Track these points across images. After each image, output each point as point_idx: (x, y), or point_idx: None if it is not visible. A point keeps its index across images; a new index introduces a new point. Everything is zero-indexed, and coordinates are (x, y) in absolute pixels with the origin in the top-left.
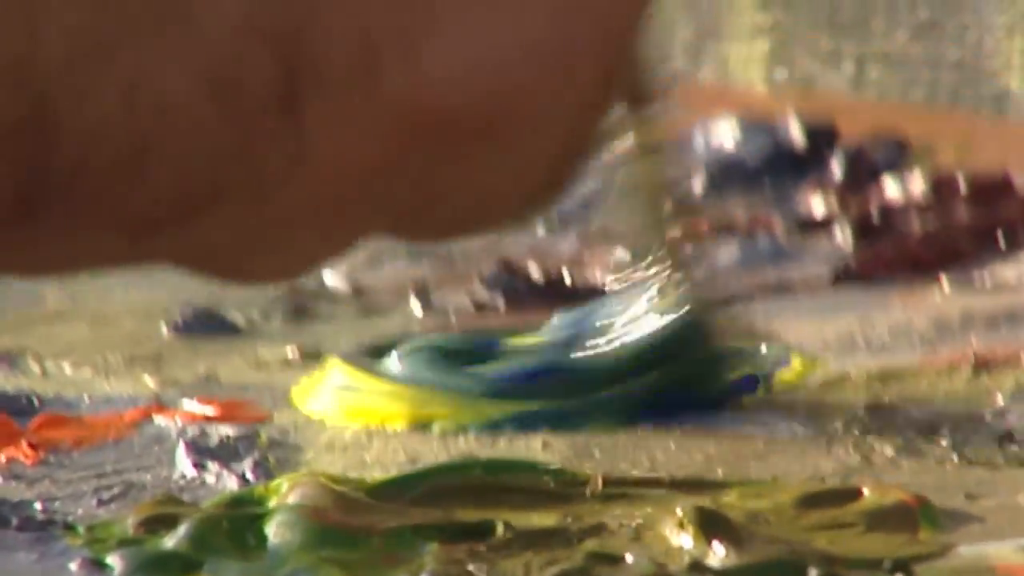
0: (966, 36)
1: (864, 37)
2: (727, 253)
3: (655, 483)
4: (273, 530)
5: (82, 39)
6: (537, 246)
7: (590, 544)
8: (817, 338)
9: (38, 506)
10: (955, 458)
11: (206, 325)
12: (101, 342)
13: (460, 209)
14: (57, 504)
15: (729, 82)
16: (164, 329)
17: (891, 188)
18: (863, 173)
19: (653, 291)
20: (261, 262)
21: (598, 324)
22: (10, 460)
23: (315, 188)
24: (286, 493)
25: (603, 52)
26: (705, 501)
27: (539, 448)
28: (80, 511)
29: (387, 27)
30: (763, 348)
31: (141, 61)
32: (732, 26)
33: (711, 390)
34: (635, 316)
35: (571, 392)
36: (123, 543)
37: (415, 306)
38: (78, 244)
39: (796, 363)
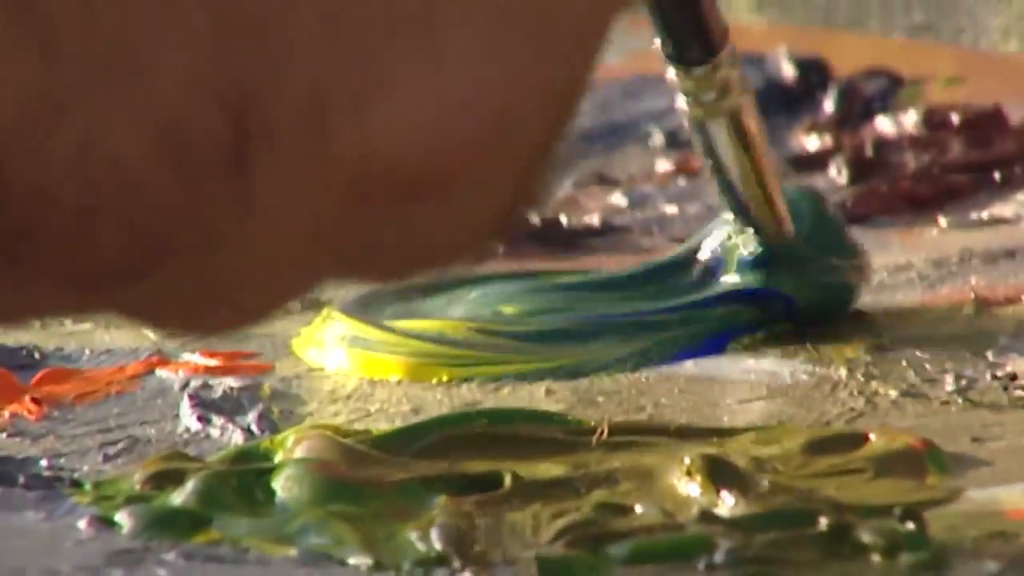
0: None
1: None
2: None
3: (660, 431)
4: (281, 485)
5: (33, 96)
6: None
7: (598, 495)
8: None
9: (44, 463)
10: (960, 401)
11: None
12: None
13: (407, 255)
14: (63, 460)
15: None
16: None
17: (884, 124)
18: (856, 108)
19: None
20: (211, 314)
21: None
22: (13, 416)
23: (264, 243)
24: (292, 447)
25: (549, 110)
26: (712, 449)
27: (542, 395)
28: (86, 467)
29: (337, 85)
30: None
31: (92, 118)
32: None
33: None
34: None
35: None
36: (131, 500)
37: None
38: (26, 299)
39: None
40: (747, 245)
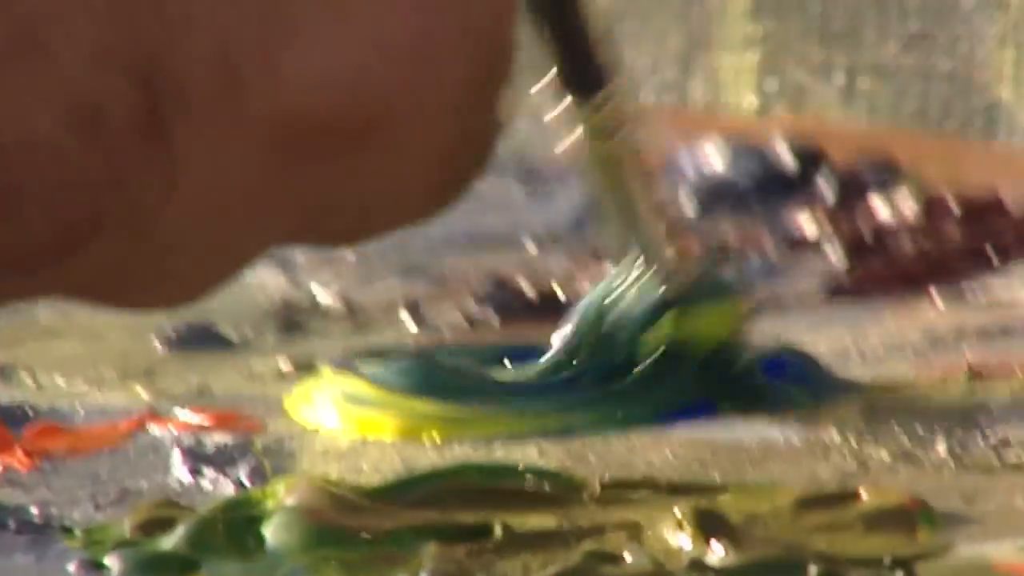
0: (957, 47)
1: (855, 48)
2: (721, 270)
3: (651, 486)
4: (271, 531)
5: None
6: (528, 263)
7: (588, 544)
8: (811, 351)
9: (35, 510)
10: (952, 464)
11: (199, 339)
12: (93, 356)
13: (355, 213)
14: (54, 509)
15: (717, 104)
16: (157, 344)
17: (881, 209)
18: (853, 194)
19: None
20: (152, 288)
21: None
22: (5, 467)
23: (196, 210)
24: (284, 496)
25: (471, 48)
26: (702, 503)
27: (534, 455)
28: (77, 515)
29: (244, 41)
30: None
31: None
32: (723, 37)
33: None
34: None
35: (572, 401)
36: (120, 545)
37: (408, 322)
38: None
39: None
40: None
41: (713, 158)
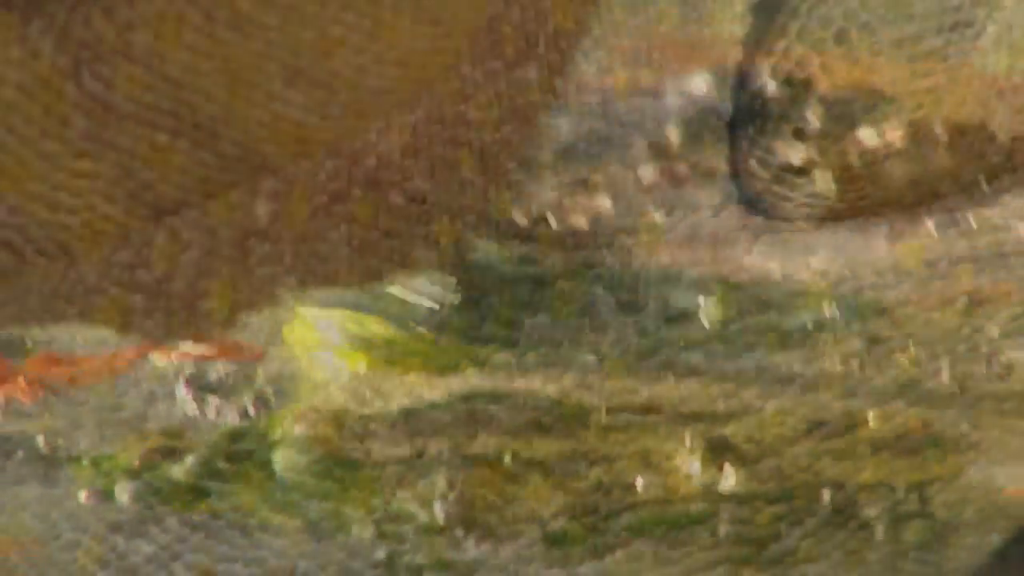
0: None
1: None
2: (709, 196)
3: (656, 413)
4: (281, 460)
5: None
6: (518, 193)
7: (599, 472)
8: (806, 276)
9: (41, 440)
10: (957, 390)
11: None
12: None
13: (355, 262)
14: (60, 439)
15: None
16: None
17: (868, 136)
18: (840, 122)
19: None
20: (175, 322)
21: None
22: (8, 398)
23: (221, 257)
24: (291, 425)
25: (481, 131)
26: (711, 430)
27: (539, 382)
28: (83, 445)
29: (208, 92)
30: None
31: (58, 173)
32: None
33: None
34: None
35: None
36: (130, 474)
37: None
38: None
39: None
40: None
41: (698, 86)
